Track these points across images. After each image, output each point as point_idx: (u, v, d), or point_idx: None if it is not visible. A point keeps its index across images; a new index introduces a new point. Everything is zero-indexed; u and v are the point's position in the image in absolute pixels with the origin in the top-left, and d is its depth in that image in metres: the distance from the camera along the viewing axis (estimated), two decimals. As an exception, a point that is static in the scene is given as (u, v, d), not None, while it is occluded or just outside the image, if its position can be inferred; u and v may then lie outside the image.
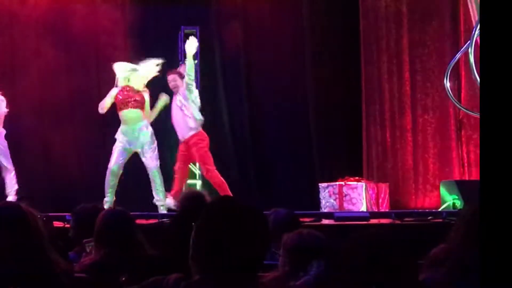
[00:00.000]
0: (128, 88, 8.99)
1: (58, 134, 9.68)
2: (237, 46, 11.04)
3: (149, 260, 3.97)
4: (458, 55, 9.71)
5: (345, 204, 9.47)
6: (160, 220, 8.26)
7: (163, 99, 9.20)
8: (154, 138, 9.00)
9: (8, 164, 9.19)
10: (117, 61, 10.79)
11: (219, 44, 11.06)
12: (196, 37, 10.90)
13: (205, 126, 10.82)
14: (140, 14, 10.98)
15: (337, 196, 9.53)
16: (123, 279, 3.72)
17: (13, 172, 9.21)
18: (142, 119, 8.96)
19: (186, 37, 10.91)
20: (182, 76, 9.22)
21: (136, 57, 10.75)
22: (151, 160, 8.93)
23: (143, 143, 8.92)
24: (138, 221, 7.92)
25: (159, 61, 9.11)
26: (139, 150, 8.97)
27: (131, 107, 8.92)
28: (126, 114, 8.93)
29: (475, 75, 9.08)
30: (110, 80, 10.37)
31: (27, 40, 10.74)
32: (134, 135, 8.92)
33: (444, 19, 10.51)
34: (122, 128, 8.97)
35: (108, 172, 8.90)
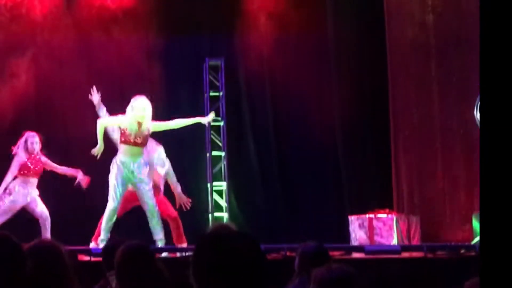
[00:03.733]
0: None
1: (84, 166, 9.52)
2: (262, 75, 10.95)
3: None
4: (488, 85, 9.52)
5: (375, 237, 9.29)
6: (185, 253, 8.14)
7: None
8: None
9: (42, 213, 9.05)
10: (141, 93, 10.80)
11: (244, 74, 10.99)
12: (221, 68, 10.89)
13: (232, 155, 10.76)
14: (164, 45, 10.93)
15: (367, 229, 9.35)
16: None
17: (48, 220, 9.07)
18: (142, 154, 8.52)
19: (211, 68, 10.90)
20: None
21: (160, 88, 10.77)
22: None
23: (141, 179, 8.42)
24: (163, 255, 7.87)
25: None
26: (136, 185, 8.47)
27: (135, 145, 8.41)
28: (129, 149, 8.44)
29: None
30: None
31: (50, 73, 10.71)
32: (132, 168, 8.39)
33: (472, 47, 10.34)
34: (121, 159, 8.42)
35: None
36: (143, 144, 8.40)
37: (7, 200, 8.99)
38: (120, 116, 8.44)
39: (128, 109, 8.39)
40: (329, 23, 10.98)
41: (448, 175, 10.28)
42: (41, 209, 9.06)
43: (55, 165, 9.13)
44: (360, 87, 10.73)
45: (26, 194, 9.00)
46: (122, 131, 8.37)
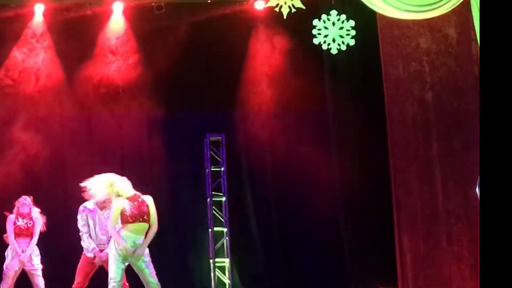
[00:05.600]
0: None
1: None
2: (263, 150, 10.97)
3: None
4: (489, 160, 9.59)
5: (381, 317, 9.25)
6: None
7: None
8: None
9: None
10: (141, 167, 10.78)
11: (245, 149, 11.00)
12: (222, 144, 10.90)
13: (234, 231, 10.69)
14: (165, 120, 10.94)
15: (372, 308, 9.32)
16: None
17: None
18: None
19: (212, 144, 10.91)
20: None
21: (160, 164, 10.76)
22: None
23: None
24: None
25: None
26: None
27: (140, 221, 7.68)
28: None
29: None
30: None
31: (49, 151, 10.67)
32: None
33: (473, 126, 10.45)
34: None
35: None
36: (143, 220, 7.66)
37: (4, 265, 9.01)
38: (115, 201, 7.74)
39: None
40: (328, 99, 11.08)
41: (452, 254, 10.27)
42: (38, 283, 9.01)
43: (37, 230, 9.02)
44: (361, 163, 10.77)
45: (18, 254, 8.95)
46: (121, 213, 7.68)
